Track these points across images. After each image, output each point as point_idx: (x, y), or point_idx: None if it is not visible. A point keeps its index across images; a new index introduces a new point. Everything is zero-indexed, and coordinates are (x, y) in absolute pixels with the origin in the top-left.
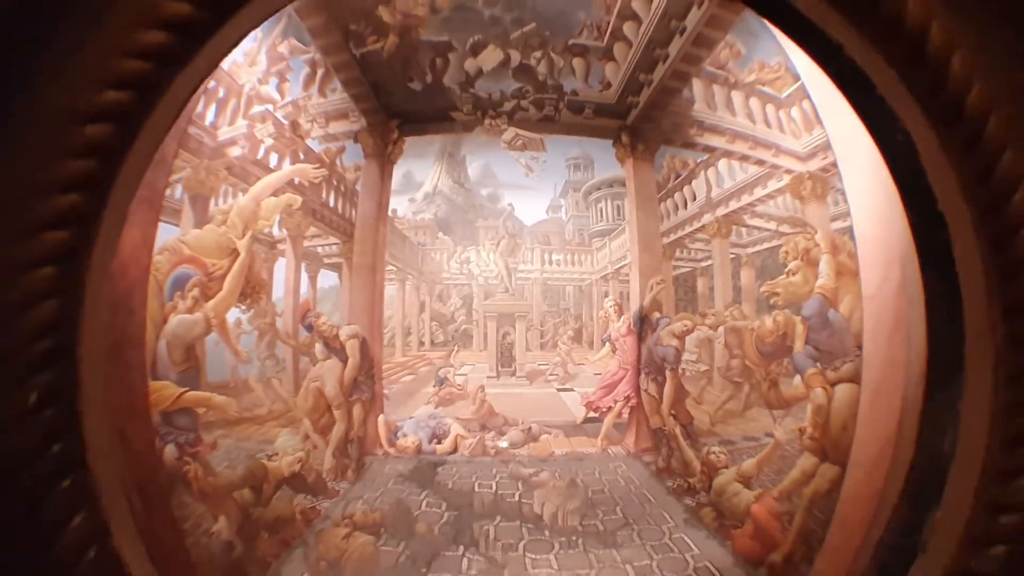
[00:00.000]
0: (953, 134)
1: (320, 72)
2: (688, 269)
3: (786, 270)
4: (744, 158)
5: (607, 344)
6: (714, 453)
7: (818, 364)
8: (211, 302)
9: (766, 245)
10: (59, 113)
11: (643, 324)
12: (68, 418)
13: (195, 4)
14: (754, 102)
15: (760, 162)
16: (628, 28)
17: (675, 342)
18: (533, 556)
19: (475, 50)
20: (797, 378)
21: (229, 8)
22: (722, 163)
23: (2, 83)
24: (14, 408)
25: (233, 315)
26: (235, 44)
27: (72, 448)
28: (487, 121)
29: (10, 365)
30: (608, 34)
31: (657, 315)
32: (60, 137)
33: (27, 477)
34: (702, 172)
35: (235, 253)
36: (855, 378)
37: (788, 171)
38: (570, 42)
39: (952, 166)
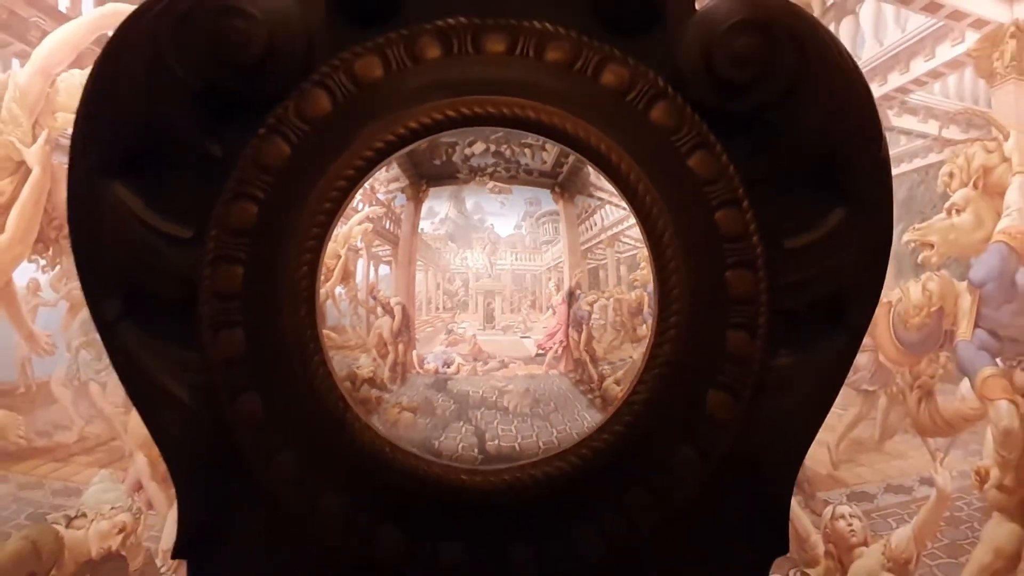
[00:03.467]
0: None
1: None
2: (595, 265)
3: (640, 267)
4: (616, 205)
5: (550, 310)
6: (604, 369)
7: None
8: (328, 282)
9: (631, 252)
10: (313, 207)
11: (571, 297)
12: None
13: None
14: None
15: (624, 208)
16: None
17: (588, 308)
18: (502, 428)
19: (470, 144)
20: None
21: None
22: (608, 207)
23: (291, 199)
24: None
25: (337, 290)
26: None
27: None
28: (477, 178)
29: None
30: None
31: (579, 292)
32: (319, 203)
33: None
34: (599, 210)
35: (338, 256)
36: None
37: None
38: (522, 140)
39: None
